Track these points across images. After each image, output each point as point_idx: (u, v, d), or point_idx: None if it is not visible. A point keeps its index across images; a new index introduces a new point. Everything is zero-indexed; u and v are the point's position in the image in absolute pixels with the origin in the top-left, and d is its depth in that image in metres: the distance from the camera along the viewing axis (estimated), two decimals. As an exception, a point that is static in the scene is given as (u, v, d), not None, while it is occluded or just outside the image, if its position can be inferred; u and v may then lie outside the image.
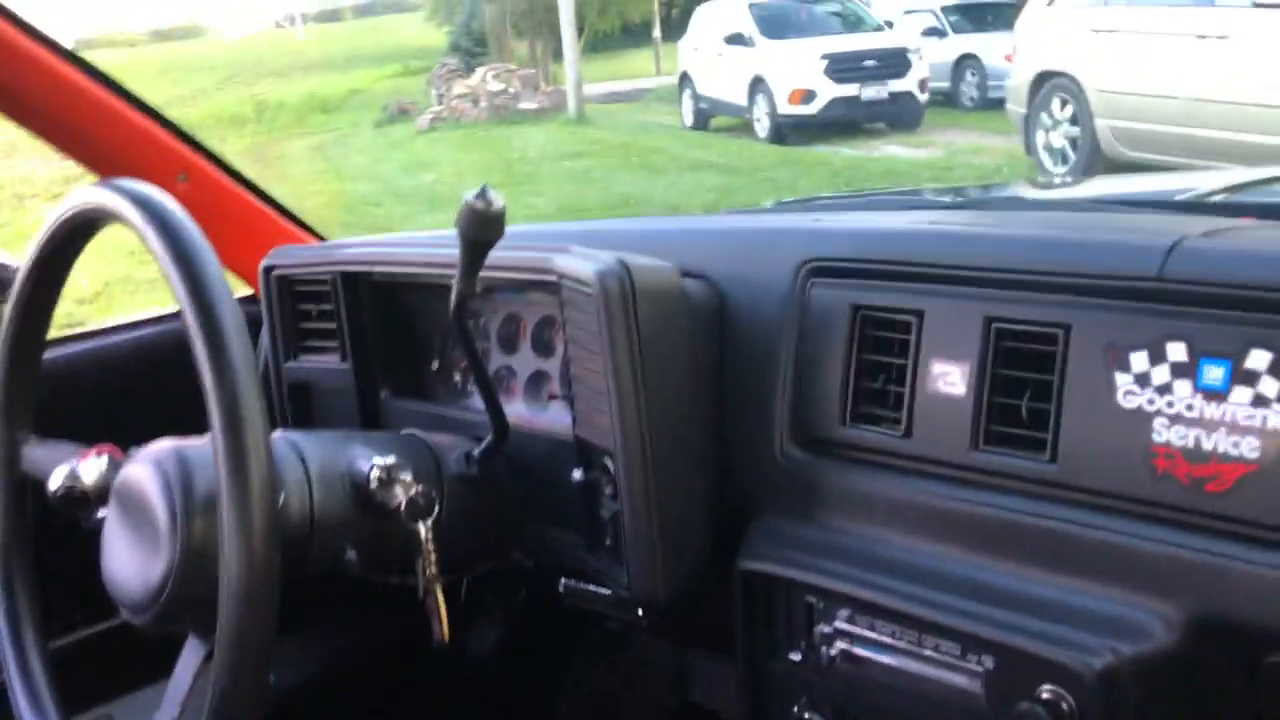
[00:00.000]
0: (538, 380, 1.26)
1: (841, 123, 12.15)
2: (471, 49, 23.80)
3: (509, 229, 1.02)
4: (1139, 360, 0.87)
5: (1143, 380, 0.87)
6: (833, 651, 1.03)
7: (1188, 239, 0.89)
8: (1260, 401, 0.82)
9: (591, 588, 1.16)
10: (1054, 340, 0.92)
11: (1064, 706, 0.87)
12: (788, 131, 12.20)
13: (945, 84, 13.98)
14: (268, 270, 1.48)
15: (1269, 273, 0.84)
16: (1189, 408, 0.85)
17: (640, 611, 1.13)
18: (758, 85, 12.69)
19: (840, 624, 1.02)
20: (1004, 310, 0.95)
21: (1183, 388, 0.85)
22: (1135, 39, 7.40)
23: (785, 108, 12.32)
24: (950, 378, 0.97)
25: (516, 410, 1.23)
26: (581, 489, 1.11)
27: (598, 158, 12.06)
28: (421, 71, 20.46)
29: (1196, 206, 1.15)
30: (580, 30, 18.29)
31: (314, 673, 1.55)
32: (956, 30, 14.69)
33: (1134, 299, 0.89)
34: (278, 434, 1.09)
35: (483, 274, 1.05)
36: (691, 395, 1.09)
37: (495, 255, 1.04)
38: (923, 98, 12.59)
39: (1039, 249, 0.98)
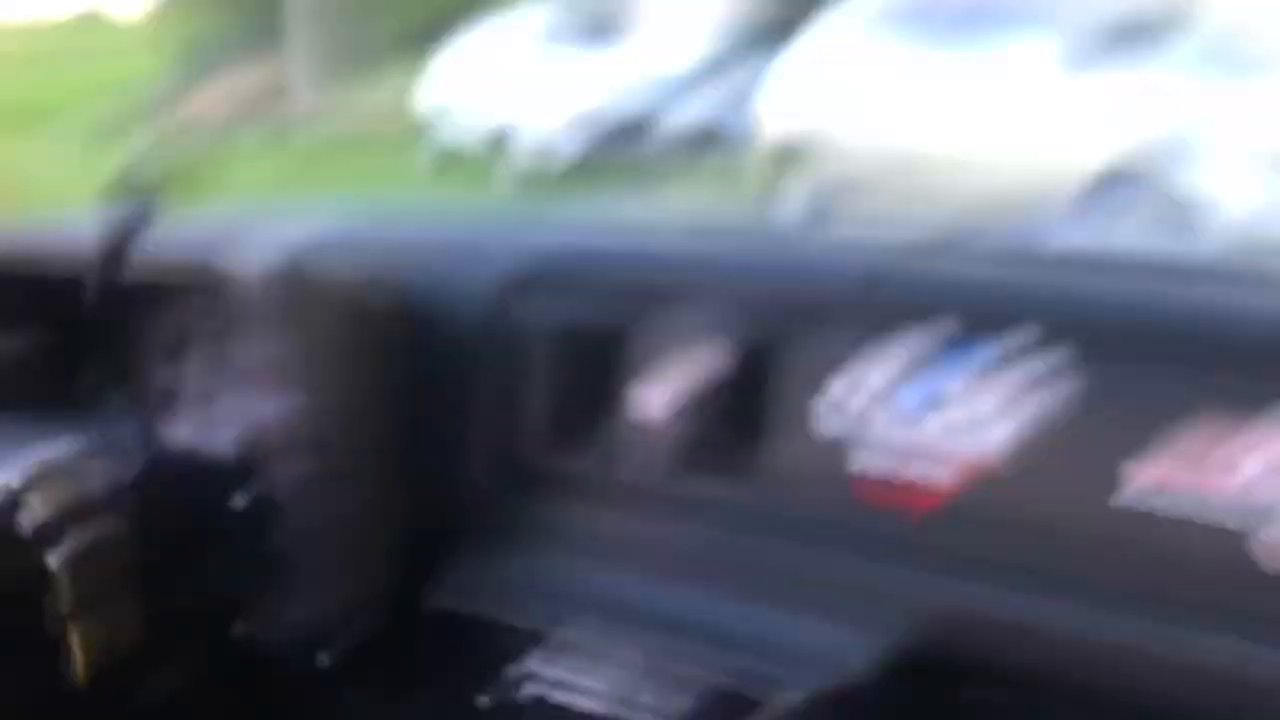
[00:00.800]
0: (202, 395, 1.16)
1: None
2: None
3: (182, 214, 0.93)
4: (839, 387, 0.88)
5: (841, 406, 0.88)
6: (524, 695, 0.99)
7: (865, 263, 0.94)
8: (952, 430, 0.83)
9: (266, 629, 1.08)
10: (757, 365, 0.92)
11: None
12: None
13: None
14: None
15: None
16: (886, 436, 0.86)
17: (320, 654, 1.06)
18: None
19: (533, 666, 0.99)
20: (709, 334, 0.94)
21: (881, 415, 0.86)
22: (873, 94, 7.78)
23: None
24: (654, 404, 0.96)
25: (177, 428, 1.13)
26: (251, 517, 1.03)
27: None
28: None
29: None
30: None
31: None
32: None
33: (836, 323, 0.90)
34: None
35: (141, 273, 0.96)
36: (377, 415, 1.04)
37: (157, 250, 0.96)
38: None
39: (745, 272, 0.99)
